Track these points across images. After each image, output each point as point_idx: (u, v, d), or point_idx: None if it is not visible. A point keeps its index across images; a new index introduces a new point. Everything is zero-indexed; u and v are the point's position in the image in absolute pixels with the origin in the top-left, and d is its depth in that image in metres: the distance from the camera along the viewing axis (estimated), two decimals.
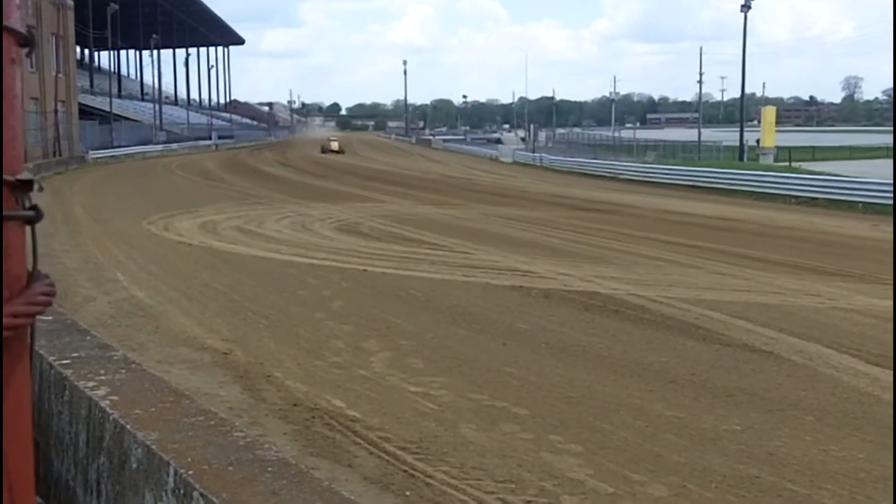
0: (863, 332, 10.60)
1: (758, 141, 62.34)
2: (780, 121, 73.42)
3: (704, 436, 7.00)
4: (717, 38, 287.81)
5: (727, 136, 77.92)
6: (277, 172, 48.16)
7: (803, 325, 10.82)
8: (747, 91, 72.49)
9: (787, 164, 53.30)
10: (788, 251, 17.89)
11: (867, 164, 55.89)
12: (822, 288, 13.42)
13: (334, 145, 78.84)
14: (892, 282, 14.12)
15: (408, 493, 5.88)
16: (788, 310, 11.85)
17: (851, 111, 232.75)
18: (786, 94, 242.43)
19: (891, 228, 22.76)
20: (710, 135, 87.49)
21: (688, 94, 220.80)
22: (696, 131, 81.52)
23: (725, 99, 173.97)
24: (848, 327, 10.84)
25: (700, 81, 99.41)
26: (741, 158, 59.19)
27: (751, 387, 8.33)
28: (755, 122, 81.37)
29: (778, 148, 60.43)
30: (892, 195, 28.09)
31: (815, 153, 66.11)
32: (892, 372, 8.81)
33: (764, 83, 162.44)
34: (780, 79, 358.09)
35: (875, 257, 17.30)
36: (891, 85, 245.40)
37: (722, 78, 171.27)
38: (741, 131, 63.41)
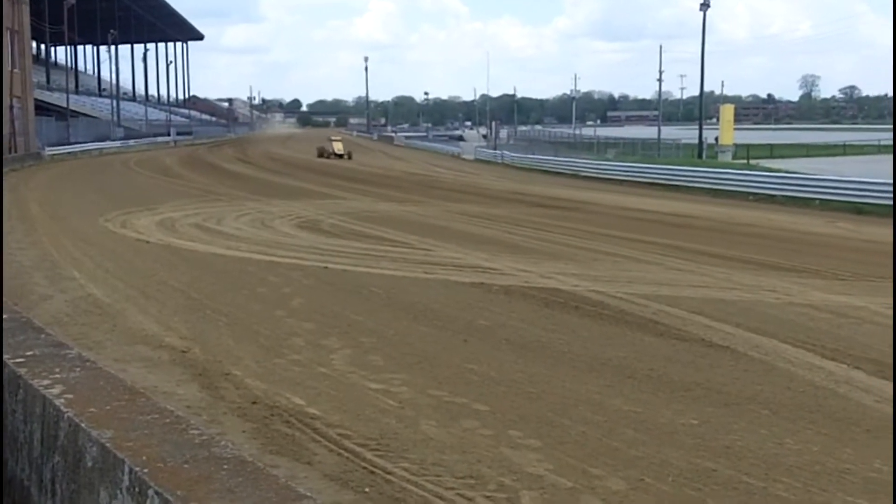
0: (818, 326, 10.73)
1: (716, 139, 62.94)
2: (738, 119, 74.12)
3: (662, 430, 7.05)
4: (677, 36, 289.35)
5: (686, 133, 78.48)
6: (237, 169, 47.91)
7: (760, 321, 10.93)
8: (706, 89, 73.03)
9: (745, 161, 53.78)
10: (746, 247, 18.06)
11: (824, 162, 56.57)
12: (779, 283, 13.56)
13: (337, 147, 62.71)
14: (849, 277, 14.33)
15: (367, 489, 5.88)
16: (745, 305, 11.97)
17: (809, 109, 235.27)
18: (744, 92, 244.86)
19: (848, 225, 23.13)
20: (670, 132, 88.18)
21: (648, 92, 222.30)
22: (655, 129, 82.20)
23: (685, 97, 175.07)
24: (804, 322, 10.96)
25: (660, 79, 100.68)
26: (700, 156, 59.67)
27: (708, 381, 8.41)
28: (714, 120, 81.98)
29: (736, 145, 61.04)
30: (850, 193, 28.47)
31: (772, 151, 66.76)
32: (847, 366, 8.94)
33: (723, 81, 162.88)
34: (739, 77, 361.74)
35: (831, 253, 17.54)
36: (847, 84, 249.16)
37: (681, 76, 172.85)
38: (700, 129, 63.91)
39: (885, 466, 6.35)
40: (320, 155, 61.94)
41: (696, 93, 70.44)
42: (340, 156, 61.22)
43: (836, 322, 11.02)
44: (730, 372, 8.76)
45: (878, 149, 72.52)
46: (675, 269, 15.01)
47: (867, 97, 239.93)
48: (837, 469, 6.31)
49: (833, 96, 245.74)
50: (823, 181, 31.20)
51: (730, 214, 25.80)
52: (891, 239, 20.22)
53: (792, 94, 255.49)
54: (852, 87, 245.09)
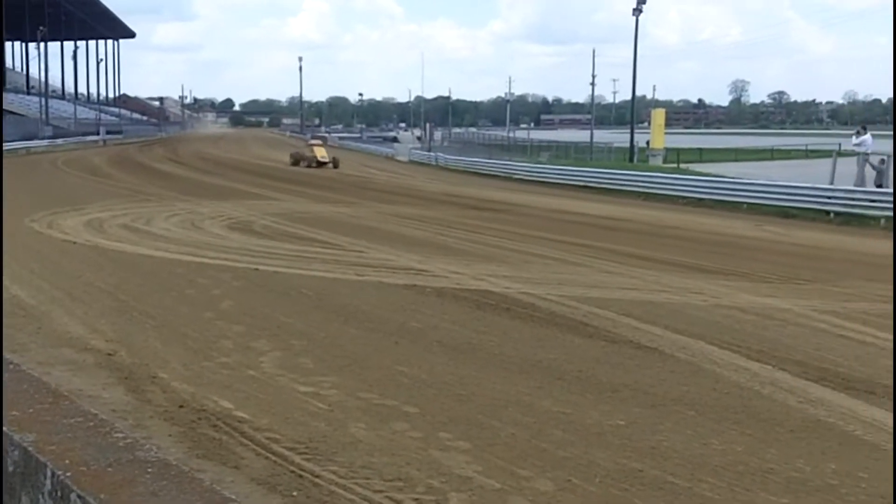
0: (744, 328, 10.90)
1: (648, 142, 63.62)
2: (669, 123, 75.03)
3: (590, 431, 7.12)
4: (610, 40, 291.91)
5: (619, 137, 79.26)
6: (167, 169, 47.36)
7: (687, 322, 11.08)
8: (638, 93, 74.06)
9: (675, 165, 54.49)
10: (675, 250, 18.31)
11: (753, 166, 57.62)
12: (706, 286, 13.76)
13: (320, 153, 51.87)
14: (775, 280, 14.60)
15: (295, 493, 5.85)
16: (673, 307, 12.13)
17: (738, 114, 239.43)
18: (675, 96, 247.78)
19: (776, 229, 23.57)
20: (602, 136, 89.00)
21: (581, 96, 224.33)
22: (588, 132, 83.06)
23: (617, 101, 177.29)
24: (730, 324, 11.13)
25: (593, 83, 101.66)
26: (631, 160, 60.36)
27: (635, 382, 8.50)
28: (646, 124, 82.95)
29: (667, 149, 61.77)
30: (777, 197, 28.99)
31: (702, 155, 67.74)
32: (772, 368, 9.10)
33: (654, 86, 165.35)
34: (671, 82, 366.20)
35: (758, 257, 17.84)
36: (776, 89, 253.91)
37: (614, 80, 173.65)
38: (632, 133, 64.67)
39: (807, 466, 6.49)
40: (295, 163, 51.96)
41: (629, 97, 71.36)
42: (323, 164, 50.50)
43: (761, 324, 11.21)
44: (657, 373, 8.87)
45: (806, 153, 73.89)
46: (606, 272, 15.16)
47: (795, 102, 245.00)
48: (761, 469, 6.42)
49: (762, 101, 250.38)
50: (752, 185, 31.70)
51: (660, 218, 26.12)
52: (816, 242, 20.70)
53: (722, 98, 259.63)
54: (781, 93, 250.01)
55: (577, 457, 6.54)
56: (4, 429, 4.14)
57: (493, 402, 7.83)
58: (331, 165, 50.34)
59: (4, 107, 77.58)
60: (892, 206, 25.46)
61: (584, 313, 11.49)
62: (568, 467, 6.35)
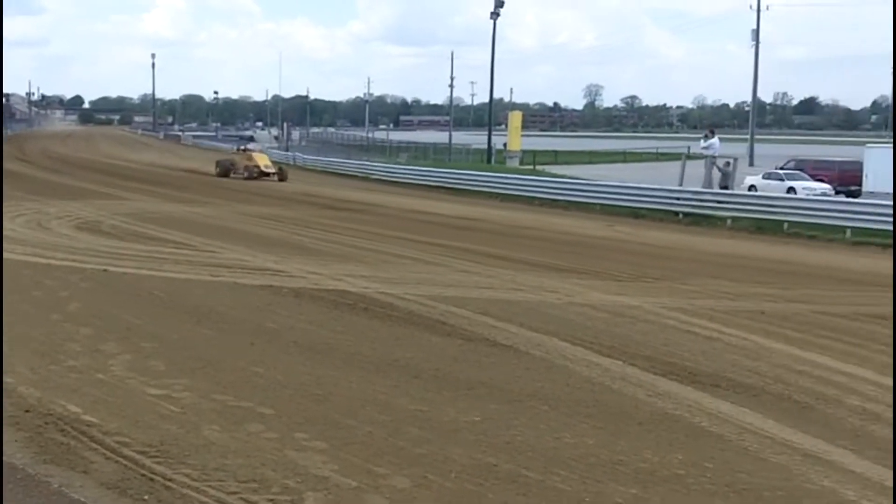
0: (595, 325, 11.17)
1: (505, 144, 64.62)
2: (525, 125, 76.34)
3: (446, 428, 7.18)
4: (468, 43, 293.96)
5: (477, 139, 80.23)
6: (13, 168, 45.54)
7: (542, 320, 11.28)
8: (496, 96, 75.18)
9: (531, 167, 55.48)
10: (530, 250, 18.64)
11: (606, 168, 59.15)
12: (560, 285, 14.04)
13: (262, 161, 43.06)
14: (626, 279, 15.01)
15: (146, 497, 5.71)
16: (528, 305, 12.34)
17: (593, 117, 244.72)
18: (532, 99, 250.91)
19: (626, 229, 24.23)
20: (461, 138, 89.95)
21: (440, 98, 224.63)
22: (447, 134, 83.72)
23: (475, 103, 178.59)
24: (582, 321, 11.39)
25: (451, 85, 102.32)
26: (489, 161, 61.23)
27: (491, 379, 8.62)
28: (503, 127, 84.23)
29: (523, 151, 62.86)
30: (628, 198, 29.81)
31: (557, 157, 69.24)
32: (622, 363, 9.34)
33: (512, 88, 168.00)
34: (527, 85, 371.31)
35: (610, 256, 18.34)
36: (629, 94, 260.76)
37: (472, 83, 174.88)
38: (489, 135, 65.61)
39: (655, 457, 6.68)
40: (224, 174, 43.12)
41: (487, 99, 72.28)
42: (266, 174, 41.80)
43: (612, 321, 11.50)
44: (512, 370, 9.00)
45: (657, 156, 76.55)
46: (463, 271, 15.31)
47: (647, 107, 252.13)
48: (611, 461, 6.58)
49: (615, 105, 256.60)
50: (604, 187, 32.55)
51: (515, 218, 26.55)
52: (665, 242, 21.36)
53: (577, 102, 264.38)
54: (633, 97, 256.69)
55: (433, 453, 6.59)
56: None
57: (350, 402, 7.81)
58: (276, 178, 41.60)
59: None
60: (737, 207, 26.56)
61: (441, 312, 11.58)
62: (424, 464, 6.39)
